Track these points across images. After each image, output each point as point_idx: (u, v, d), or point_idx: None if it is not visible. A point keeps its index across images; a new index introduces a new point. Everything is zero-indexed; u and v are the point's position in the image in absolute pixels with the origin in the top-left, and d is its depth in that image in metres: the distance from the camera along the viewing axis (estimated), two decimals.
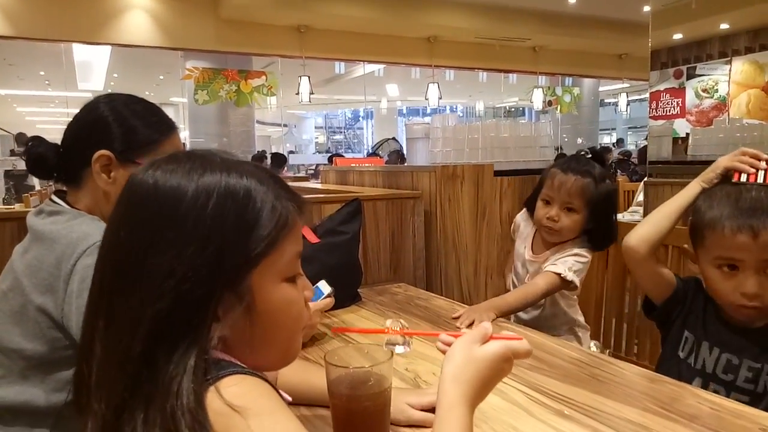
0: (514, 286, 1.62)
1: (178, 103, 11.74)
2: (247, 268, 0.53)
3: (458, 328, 1.30)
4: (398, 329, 0.79)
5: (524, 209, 1.64)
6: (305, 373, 0.88)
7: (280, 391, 0.55)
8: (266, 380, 0.53)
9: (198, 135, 8.68)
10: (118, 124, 1.00)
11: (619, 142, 14.31)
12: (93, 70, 9.62)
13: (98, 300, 0.54)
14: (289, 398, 0.56)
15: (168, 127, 1.07)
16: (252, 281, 0.54)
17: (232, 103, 7.61)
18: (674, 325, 1.13)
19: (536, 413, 0.86)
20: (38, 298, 0.88)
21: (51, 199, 1.00)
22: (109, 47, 7.74)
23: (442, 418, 0.59)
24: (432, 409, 0.82)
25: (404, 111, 18.08)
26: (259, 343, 0.56)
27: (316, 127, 20.11)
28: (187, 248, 0.51)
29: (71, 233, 0.90)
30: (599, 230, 1.47)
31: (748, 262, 0.96)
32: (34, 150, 1.00)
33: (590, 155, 1.51)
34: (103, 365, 0.51)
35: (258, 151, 9.12)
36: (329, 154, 9.62)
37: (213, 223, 0.51)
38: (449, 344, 0.67)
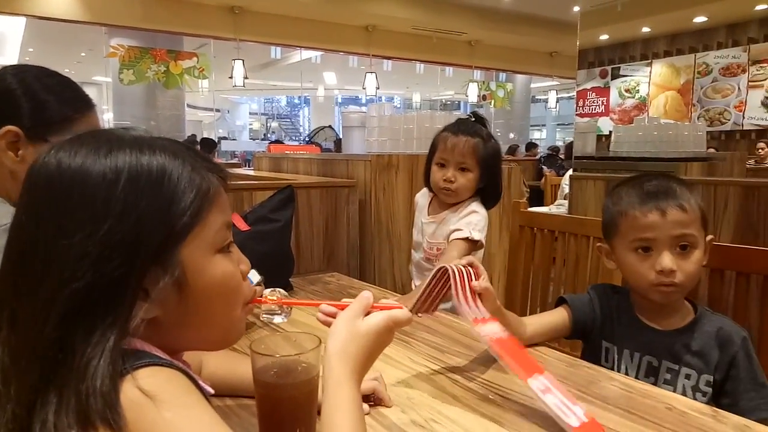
0: (417, 269, 1.64)
1: (102, 83, 11.13)
2: (171, 242, 0.52)
3: None
4: (276, 299, 0.77)
5: (423, 189, 1.68)
6: (231, 364, 0.86)
7: (202, 382, 0.53)
8: (186, 372, 0.51)
9: (123, 117, 8.25)
10: (28, 98, 0.92)
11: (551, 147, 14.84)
12: (5, 43, 8.93)
13: (6, 284, 0.51)
14: (211, 390, 0.54)
15: (84, 104, 1.00)
16: (181, 255, 0.52)
17: (160, 85, 7.29)
18: (591, 335, 1.15)
19: (461, 398, 0.87)
20: None
21: None
22: (23, 18, 7.19)
23: (330, 395, 0.59)
24: (364, 396, 0.83)
25: (339, 100, 17.97)
26: (197, 321, 0.55)
27: (250, 113, 19.62)
28: (100, 227, 0.48)
29: None
30: (489, 188, 1.55)
31: (660, 240, 1.02)
32: None
33: (474, 118, 1.58)
34: (15, 350, 0.49)
35: (188, 136, 8.80)
36: (266, 141, 9.42)
37: (126, 201, 0.49)
38: (330, 314, 0.68)
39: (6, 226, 0.55)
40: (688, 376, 1.03)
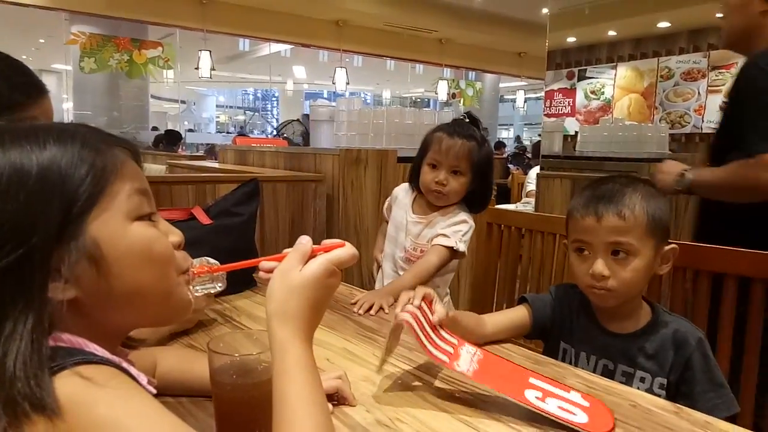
0: (392, 264, 1.62)
1: (62, 71, 10.76)
2: (73, 218, 0.49)
3: (355, 311, 1.28)
4: (206, 268, 0.70)
5: (404, 183, 1.65)
6: (187, 362, 0.83)
7: (145, 381, 0.51)
8: (124, 370, 0.49)
9: (84, 107, 7.99)
10: None
11: (517, 138, 15.09)
12: None
13: None
14: (153, 390, 0.51)
15: (37, 90, 0.95)
16: (89, 229, 0.50)
17: (123, 74, 7.08)
18: (550, 335, 1.16)
19: (427, 397, 0.86)
20: None
21: None
22: None
23: (277, 362, 0.56)
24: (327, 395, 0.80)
25: (307, 94, 17.82)
26: (125, 296, 0.52)
27: (217, 106, 19.28)
28: None
29: None
30: (480, 192, 1.53)
31: (594, 245, 1.02)
32: None
33: (468, 119, 1.55)
34: None
35: (151, 128, 8.58)
36: (231, 134, 9.26)
37: (9, 181, 0.47)
38: (270, 270, 0.61)
39: None
40: (642, 380, 1.03)
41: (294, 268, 0.59)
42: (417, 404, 0.83)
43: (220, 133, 14.54)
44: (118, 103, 7.94)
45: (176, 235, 0.59)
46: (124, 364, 0.51)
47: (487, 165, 1.52)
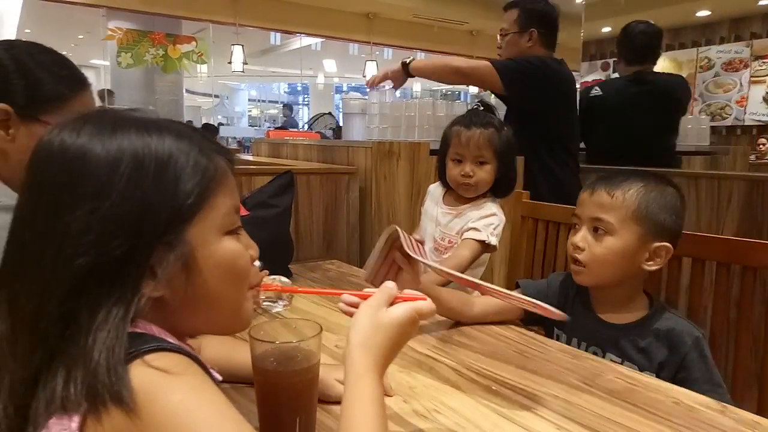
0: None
1: (100, 66, 11.01)
2: (177, 223, 0.51)
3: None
4: (278, 286, 0.73)
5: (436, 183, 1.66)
6: (229, 350, 0.84)
7: (211, 369, 0.52)
8: (195, 358, 0.50)
9: (122, 102, 8.15)
10: (20, 75, 0.89)
11: None
12: (2, 25, 8.81)
13: (6, 263, 0.51)
14: (219, 377, 0.53)
15: (79, 83, 0.97)
16: (189, 236, 0.52)
17: (159, 70, 7.21)
18: (545, 321, 1.18)
19: (465, 389, 0.86)
20: None
21: None
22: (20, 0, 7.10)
23: (352, 387, 0.58)
24: None
25: (343, 87, 17.86)
26: (204, 303, 0.55)
27: (249, 100, 19.50)
28: (103, 203, 0.48)
29: None
30: (505, 177, 1.52)
31: (582, 218, 1.08)
32: None
33: (483, 107, 1.55)
34: (17, 324, 0.49)
35: (186, 122, 8.71)
36: (264, 128, 9.38)
37: (130, 177, 0.49)
38: (352, 304, 0.66)
39: (3, 204, 0.53)
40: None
41: (381, 308, 0.62)
42: (454, 396, 0.83)
43: (252, 126, 14.71)
44: (154, 97, 8.09)
45: (254, 250, 0.61)
46: (193, 353, 0.53)
47: (510, 148, 1.51)
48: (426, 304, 0.64)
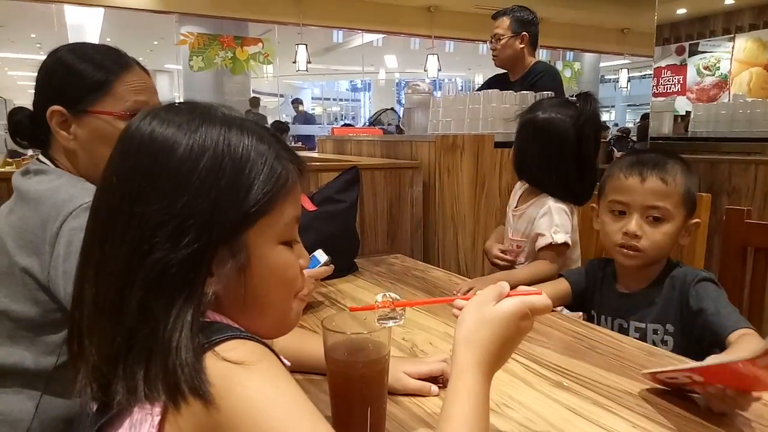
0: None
1: (173, 70, 11.55)
2: (243, 225, 0.52)
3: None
4: (389, 302, 0.74)
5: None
6: (301, 341, 0.87)
7: (280, 356, 0.53)
8: (266, 345, 0.52)
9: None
10: (64, 73, 0.93)
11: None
12: (86, 34, 9.40)
13: (90, 246, 0.53)
14: (288, 363, 0.54)
15: (118, 64, 0.95)
16: (248, 239, 0.52)
17: (228, 72, 7.49)
18: (585, 305, 1.25)
19: (534, 384, 0.85)
20: (23, 259, 0.85)
21: (38, 159, 0.97)
22: (102, 10, 7.56)
23: (452, 383, 0.57)
24: (429, 379, 0.82)
25: (403, 84, 17.85)
26: (252, 306, 0.55)
27: (313, 98, 19.87)
28: (179, 199, 0.49)
29: (57, 194, 0.87)
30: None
31: (633, 205, 1.09)
32: (12, 119, 0.97)
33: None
34: (95, 312, 0.51)
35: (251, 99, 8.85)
36: (329, 125, 9.52)
37: (207, 176, 0.50)
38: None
39: (87, 205, 0.56)
40: (655, 331, 1.09)
41: (489, 303, 0.60)
42: (524, 391, 0.82)
43: (317, 124, 14.97)
44: (224, 98, 8.39)
45: (305, 259, 0.61)
46: (264, 341, 0.54)
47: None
48: (540, 298, 0.61)
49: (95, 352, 0.50)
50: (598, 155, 2.04)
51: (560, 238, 1.40)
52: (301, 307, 0.63)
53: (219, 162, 0.51)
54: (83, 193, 0.87)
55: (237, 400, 0.45)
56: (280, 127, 8.35)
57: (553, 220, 1.42)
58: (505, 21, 2.58)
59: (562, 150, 1.43)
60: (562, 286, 1.24)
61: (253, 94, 9.43)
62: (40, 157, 0.97)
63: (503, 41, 2.56)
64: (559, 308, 1.27)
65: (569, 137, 1.42)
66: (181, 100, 0.58)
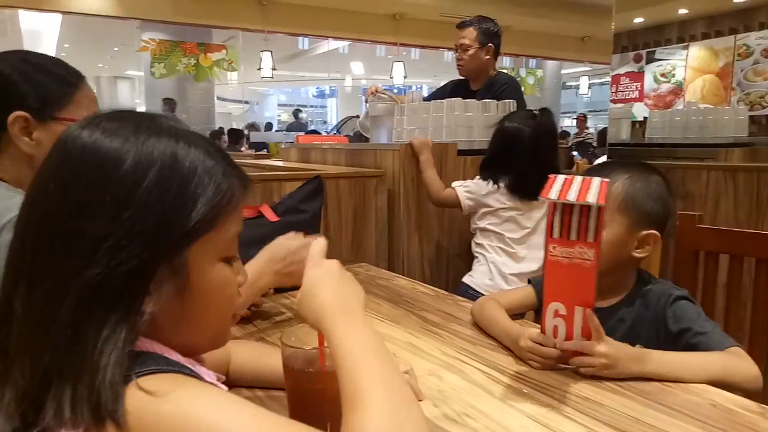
0: None
1: (134, 77, 11.33)
2: (186, 242, 0.51)
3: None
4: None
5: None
6: (260, 355, 0.86)
7: (213, 379, 0.52)
8: (193, 374, 0.50)
9: (155, 111, 8.37)
10: (25, 81, 0.93)
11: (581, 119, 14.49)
12: (42, 40, 9.13)
13: (20, 260, 0.50)
14: (224, 387, 0.53)
15: (77, 77, 1.01)
16: (189, 257, 0.51)
17: (191, 78, 7.38)
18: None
19: (495, 392, 0.85)
20: None
21: None
22: (59, 15, 7.36)
23: (332, 354, 0.56)
24: None
25: (365, 90, 17.90)
26: (188, 323, 0.54)
27: (279, 105, 19.74)
28: (124, 213, 0.47)
29: None
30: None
31: None
32: None
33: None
34: (25, 332, 0.48)
35: (217, 128, 8.90)
36: (295, 132, 9.51)
37: (153, 190, 0.49)
38: None
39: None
40: None
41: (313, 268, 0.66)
42: (484, 399, 0.83)
43: (281, 131, 14.88)
44: (187, 105, 8.28)
45: (243, 276, 0.60)
46: (196, 367, 0.53)
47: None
48: (315, 244, 0.69)
49: (28, 374, 0.47)
50: (562, 160, 2.12)
51: (457, 184, 1.90)
52: (235, 321, 0.62)
53: (166, 176, 0.49)
54: (17, 206, 0.84)
55: (148, 429, 0.44)
56: (236, 133, 8.30)
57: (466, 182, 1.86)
58: (472, 32, 2.64)
59: (520, 151, 1.85)
60: (527, 292, 1.24)
61: (217, 101, 9.32)
62: None
63: (471, 52, 2.63)
64: (524, 318, 1.28)
65: (526, 141, 1.84)
66: (123, 109, 0.56)
